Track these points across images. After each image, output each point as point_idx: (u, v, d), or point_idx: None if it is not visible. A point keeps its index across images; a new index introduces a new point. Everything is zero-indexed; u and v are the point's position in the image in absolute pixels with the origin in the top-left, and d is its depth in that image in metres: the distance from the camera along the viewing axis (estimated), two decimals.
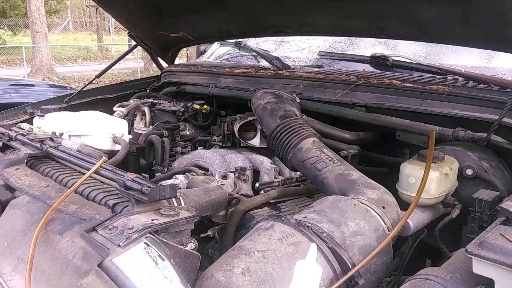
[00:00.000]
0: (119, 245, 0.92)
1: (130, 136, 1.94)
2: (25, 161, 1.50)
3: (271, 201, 1.56)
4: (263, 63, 2.54)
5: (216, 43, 3.12)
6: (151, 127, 2.37)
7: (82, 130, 1.76)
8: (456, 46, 1.97)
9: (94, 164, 1.24)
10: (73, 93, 2.59)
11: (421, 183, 1.21)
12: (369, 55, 2.24)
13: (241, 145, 2.06)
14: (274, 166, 1.83)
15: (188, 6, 2.34)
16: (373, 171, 1.74)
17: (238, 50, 2.90)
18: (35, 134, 1.68)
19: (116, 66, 3.45)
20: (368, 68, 2.15)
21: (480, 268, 0.92)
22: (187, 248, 1.00)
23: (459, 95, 1.70)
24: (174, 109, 2.40)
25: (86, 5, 27.49)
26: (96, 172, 1.21)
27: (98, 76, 2.86)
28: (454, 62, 2.05)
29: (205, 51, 3.22)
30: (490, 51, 1.94)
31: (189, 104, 2.33)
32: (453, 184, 1.44)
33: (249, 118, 2.00)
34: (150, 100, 2.49)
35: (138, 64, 15.47)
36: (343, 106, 1.94)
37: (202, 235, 1.42)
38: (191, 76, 2.66)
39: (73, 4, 30.39)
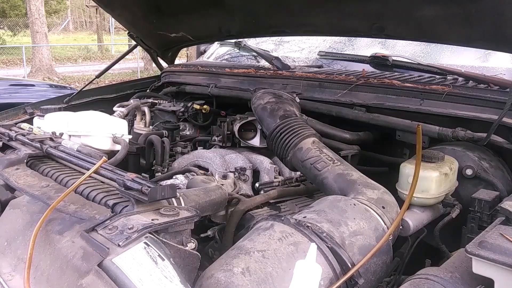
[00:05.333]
0: (119, 245, 0.92)
1: (130, 136, 1.94)
2: (25, 161, 1.50)
3: (271, 201, 1.56)
4: (263, 63, 2.54)
5: (216, 43, 3.12)
6: (151, 127, 2.37)
7: (82, 130, 1.76)
8: (456, 46, 1.97)
9: (94, 164, 1.24)
10: (73, 93, 2.59)
11: (413, 179, 1.21)
12: (368, 55, 2.24)
13: (241, 145, 2.06)
14: (274, 166, 1.83)
15: (188, 6, 2.34)
16: (373, 171, 1.74)
17: (238, 50, 2.90)
18: (35, 134, 1.68)
19: (116, 66, 3.45)
20: (368, 68, 2.15)
21: (479, 268, 0.92)
22: (187, 248, 1.00)
23: (459, 95, 1.70)
24: (174, 109, 2.40)
25: (86, 5, 27.48)
26: (96, 172, 1.21)
27: (98, 76, 2.86)
28: (452, 61, 2.05)
29: (205, 51, 3.22)
30: (488, 50, 1.94)
31: (189, 104, 2.34)
32: (453, 184, 1.44)
33: (249, 118, 2.00)
34: (150, 100, 2.49)
35: (138, 64, 15.46)
36: (343, 106, 1.94)
37: (202, 235, 1.42)
38: (191, 76, 2.66)
39: (73, 4, 30.38)
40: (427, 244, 1.43)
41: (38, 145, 1.55)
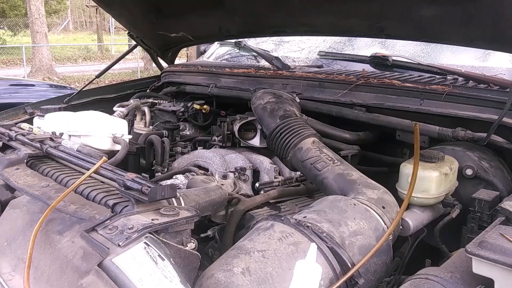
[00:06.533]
0: (119, 245, 0.92)
1: (130, 136, 1.94)
2: (25, 161, 1.50)
3: (271, 201, 1.56)
4: (263, 63, 2.54)
5: (216, 43, 3.12)
6: (151, 127, 2.37)
7: (82, 130, 1.76)
8: (456, 46, 1.97)
9: (94, 164, 1.24)
10: (73, 93, 2.59)
11: (412, 178, 1.21)
12: (368, 55, 2.24)
13: (241, 145, 2.06)
14: (274, 166, 1.83)
15: (188, 6, 2.34)
16: (373, 171, 1.74)
17: (238, 50, 2.90)
18: (35, 134, 1.68)
19: (116, 66, 3.45)
20: (368, 68, 2.15)
21: (479, 268, 0.92)
22: (187, 248, 1.00)
23: (459, 95, 1.70)
24: (174, 109, 2.40)
25: (86, 5, 27.48)
26: (96, 172, 1.21)
27: (98, 76, 2.86)
28: (452, 61, 2.05)
29: (205, 51, 3.22)
30: (488, 50, 1.95)
31: (189, 104, 2.34)
32: (453, 184, 1.44)
33: (249, 118, 2.00)
34: (150, 100, 2.49)
35: (138, 64, 15.46)
36: (343, 106, 1.94)
37: (202, 235, 1.42)
38: (191, 76, 2.66)
39: (73, 4, 30.39)
40: (427, 244, 1.43)
41: (38, 145, 1.55)
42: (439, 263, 1.06)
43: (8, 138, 1.68)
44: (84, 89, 2.65)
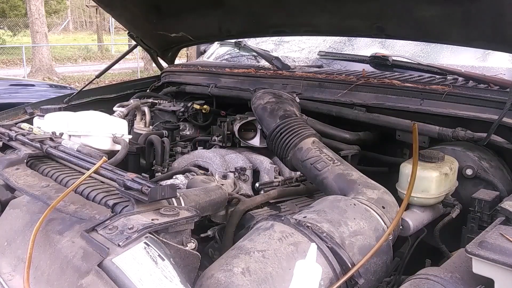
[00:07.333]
0: (119, 245, 0.92)
1: (130, 136, 1.94)
2: (25, 161, 1.50)
3: (271, 201, 1.56)
4: (263, 63, 2.54)
5: (216, 43, 3.12)
6: (151, 127, 2.37)
7: (82, 130, 1.76)
8: (455, 46, 1.97)
9: (94, 164, 1.24)
10: (73, 93, 2.59)
11: (411, 177, 1.21)
12: (368, 55, 2.24)
13: (241, 145, 2.06)
14: (274, 166, 1.83)
15: (188, 6, 2.34)
16: (373, 171, 1.74)
17: (238, 50, 2.90)
18: (35, 134, 1.68)
19: (116, 66, 3.45)
20: (368, 68, 2.15)
21: (480, 268, 0.92)
22: (187, 248, 1.00)
23: (459, 95, 1.70)
24: (174, 109, 2.40)
25: (86, 5, 27.49)
26: (96, 172, 1.21)
27: (98, 76, 2.86)
28: (452, 61, 2.05)
29: (205, 51, 3.22)
30: (488, 50, 1.95)
31: (189, 104, 2.34)
32: (453, 184, 1.44)
33: (249, 118, 2.00)
34: (150, 100, 2.49)
35: (138, 64, 15.46)
36: (343, 106, 1.94)
37: (202, 235, 1.42)
38: (191, 76, 2.66)
39: (73, 4, 30.40)
40: (427, 244, 1.43)
41: (38, 145, 1.55)
42: (439, 263, 1.06)
43: (8, 138, 1.68)
44: (84, 89, 2.64)
